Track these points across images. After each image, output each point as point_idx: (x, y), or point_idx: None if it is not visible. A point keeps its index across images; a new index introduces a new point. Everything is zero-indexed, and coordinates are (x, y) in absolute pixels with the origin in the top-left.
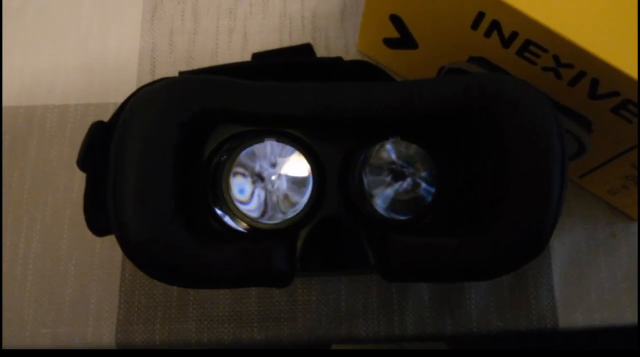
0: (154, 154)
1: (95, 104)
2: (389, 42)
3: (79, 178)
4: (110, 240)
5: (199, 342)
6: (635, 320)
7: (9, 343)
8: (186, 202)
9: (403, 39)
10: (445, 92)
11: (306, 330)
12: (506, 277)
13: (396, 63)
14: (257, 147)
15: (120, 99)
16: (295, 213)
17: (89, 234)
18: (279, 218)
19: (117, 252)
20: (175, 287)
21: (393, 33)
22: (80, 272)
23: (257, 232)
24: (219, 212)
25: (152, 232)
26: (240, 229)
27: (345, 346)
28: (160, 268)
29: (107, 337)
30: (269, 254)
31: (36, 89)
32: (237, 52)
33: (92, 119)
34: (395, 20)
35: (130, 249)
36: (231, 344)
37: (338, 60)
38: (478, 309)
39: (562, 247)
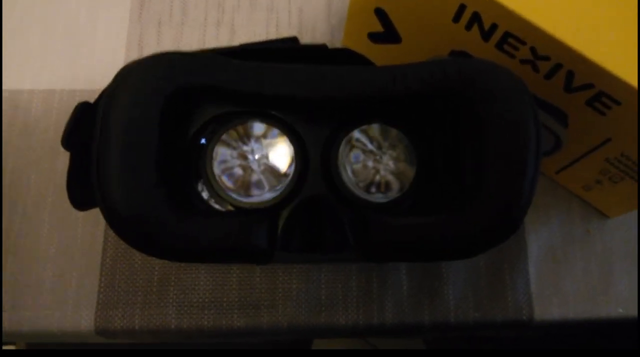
0: (138, 124)
1: (82, 89)
2: (374, 37)
3: (62, 163)
4: (92, 224)
5: (179, 328)
6: (609, 314)
7: None
8: (169, 178)
9: (387, 33)
10: (426, 75)
11: (286, 317)
12: (483, 269)
13: (380, 58)
14: (240, 128)
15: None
16: (277, 193)
17: (71, 217)
18: (260, 198)
19: (98, 237)
20: (156, 272)
21: (377, 27)
22: (61, 256)
23: (238, 211)
24: (202, 193)
25: (134, 201)
26: (222, 209)
27: (326, 343)
28: (140, 236)
29: (86, 322)
30: (250, 228)
31: (22, 74)
32: (224, 44)
33: None
34: (380, 13)
35: (112, 216)
36: (211, 330)
37: (323, 47)
38: (456, 300)
39: (538, 241)
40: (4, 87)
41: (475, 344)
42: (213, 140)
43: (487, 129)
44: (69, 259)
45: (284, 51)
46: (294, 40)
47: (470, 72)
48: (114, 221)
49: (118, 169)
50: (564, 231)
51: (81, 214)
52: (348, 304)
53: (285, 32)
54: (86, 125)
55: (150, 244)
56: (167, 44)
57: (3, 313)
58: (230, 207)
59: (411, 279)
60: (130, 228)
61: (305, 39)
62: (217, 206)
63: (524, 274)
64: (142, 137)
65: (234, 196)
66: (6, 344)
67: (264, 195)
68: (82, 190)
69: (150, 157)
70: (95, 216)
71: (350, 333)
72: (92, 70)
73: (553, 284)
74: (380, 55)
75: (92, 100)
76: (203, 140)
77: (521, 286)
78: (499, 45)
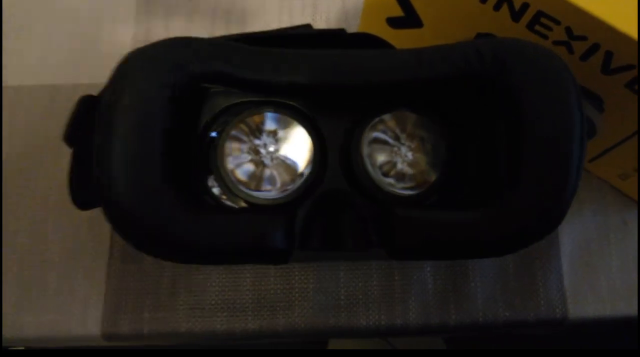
0: (144, 114)
1: (86, 84)
2: (393, 22)
3: (67, 161)
4: (98, 225)
5: (190, 332)
6: None
7: None
8: (178, 173)
9: (407, 18)
10: (456, 56)
11: (303, 319)
12: (513, 266)
13: (400, 45)
14: (254, 119)
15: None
16: (295, 188)
17: (76, 218)
18: (276, 194)
19: (104, 238)
20: (165, 274)
21: (397, 11)
22: (66, 258)
23: (253, 208)
24: (213, 189)
25: (139, 198)
26: (235, 206)
27: (342, 343)
28: (146, 237)
29: (92, 326)
30: (267, 227)
31: (26, 69)
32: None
33: None
34: None
35: (114, 215)
36: (223, 334)
37: (341, 31)
38: (484, 299)
39: (571, 234)
40: (6, 84)
41: (498, 341)
42: (224, 132)
43: (526, 115)
44: (74, 261)
45: (299, 37)
46: (307, 27)
47: (506, 52)
48: (117, 220)
49: (121, 163)
50: (598, 223)
51: (87, 213)
52: (369, 305)
53: (298, 21)
54: (90, 120)
55: (157, 245)
56: (176, 35)
57: (4, 317)
58: (243, 204)
59: (436, 278)
60: (135, 228)
61: (319, 26)
62: (229, 203)
63: (557, 270)
64: (148, 129)
65: (248, 191)
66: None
67: (280, 191)
68: (85, 189)
69: (157, 150)
70: (101, 215)
71: (371, 334)
72: (97, 64)
73: (587, 280)
74: (400, 41)
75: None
76: (214, 134)
77: (554, 282)
78: (530, 26)
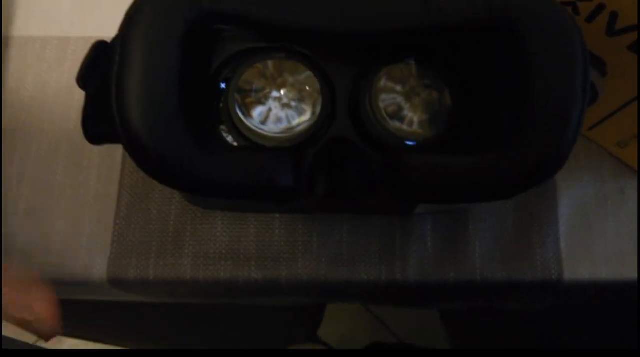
0: (160, 48)
1: (96, 37)
2: None
3: (77, 110)
4: (106, 171)
5: (194, 279)
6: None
7: None
8: (191, 110)
9: None
10: (464, 4)
11: (306, 271)
12: (512, 227)
13: None
14: (265, 64)
15: None
16: (303, 132)
17: (85, 165)
18: (285, 135)
19: (112, 185)
20: (171, 222)
21: None
22: (74, 203)
23: (263, 148)
24: (227, 137)
25: (155, 127)
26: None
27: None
28: (161, 165)
29: (98, 270)
30: (275, 164)
31: (35, 21)
32: None
33: None
34: None
35: (132, 143)
36: (227, 283)
37: None
38: (482, 258)
39: (569, 198)
40: (16, 34)
41: (494, 319)
42: (236, 75)
43: (533, 61)
44: (82, 206)
45: None
46: None
47: (515, 1)
48: (134, 148)
49: (139, 94)
50: (596, 189)
51: (95, 161)
52: (370, 260)
53: None
54: (103, 65)
55: (172, 173)
56: None
57: (12, 261)
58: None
59: (436, 236)
60: (151, 156)
61: None
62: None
63: (554, 233)
64: (164, 62)
65: (257, 129)
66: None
67: (290, 133)
68: (98, 126)
69: (172, 83)
70: (109, 163)
71: (372, 289)
72: (108, 16)
73: (584, 244)
74: None
75: None
76: (225, 78)
77: (551, 245)
78: None
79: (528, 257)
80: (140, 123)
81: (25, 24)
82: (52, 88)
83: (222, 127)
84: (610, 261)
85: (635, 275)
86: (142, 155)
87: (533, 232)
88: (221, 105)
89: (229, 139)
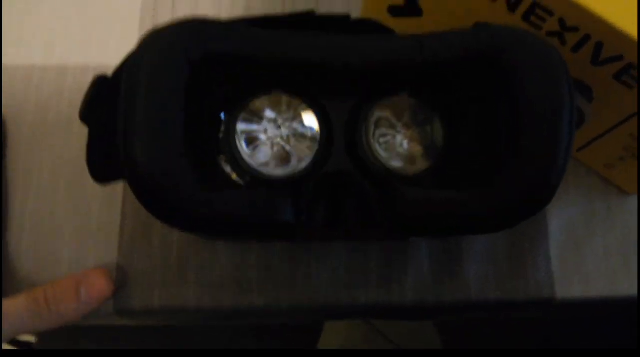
0: (165, 88)
1: (95, 66)
2: (394, 10)
3: (77, 140)
4: (108, 202)
5: (199, 307)
6: (630, 292)
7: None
8: (194, 149)
9: (408, 6)
10: (455, 40)
11: (306, 296)
12: (504, 248)
13: (399, 32)
14: (264, 99)
15: (120, 61)
16: (301, 168)
17: (87, 196)
18: (284, 172)
19: (115, 215)
20: (174, 251)
21: (398, 0)
22: (77, 236)
23: (262, 184)
24: (226, 168)
25: (160, 167)
26: (242, 183)
27: (337, 329)
28: (164, 205)
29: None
30: (276, 201)
31: (34, 49)
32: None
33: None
34: None
35: (136, 181)
36: (231, 310)
37: (345, 17)
38: (477, 279)
39: (559, 218)
40: (17, 64)
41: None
42: (236, 111)
43: (521, 97)
44: (85, 238)
45: (304, 22)
46: (311, 14)
47: (503, 38)
48: (138, 187)
49: (144, 136)
50: (585, 209)
51: (97, 193)
52: (368, 283)
53: (301, 6)
54: (103, 99)
55: (172, 213)
56: (182, 16)
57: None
58: (250, 180)
59: (432, 259)
60: (155, 195)
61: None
62: (239, 180)
63: (545, 253)
64: (169, 103)
65: (257, 169)
66: None
67: (288, 169)
68: (103, 164)
69: (178, 125)
70: (111, 194)
71: (370, 312)
72: (105, 44)
73: (574, 262)
74: (400, 29)
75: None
76: (224, 114)
77: (542, 264)
78: (526, 17)
79: (521, 277)
80: (145, 166)
81: (23, 53)
82: (52, 118)
83: (222, 156)
84: (601, 278)
85: (627, 292)
86: (145, 195)
87: (525, 252)
88: (221, 135)
89: (227, 169)
